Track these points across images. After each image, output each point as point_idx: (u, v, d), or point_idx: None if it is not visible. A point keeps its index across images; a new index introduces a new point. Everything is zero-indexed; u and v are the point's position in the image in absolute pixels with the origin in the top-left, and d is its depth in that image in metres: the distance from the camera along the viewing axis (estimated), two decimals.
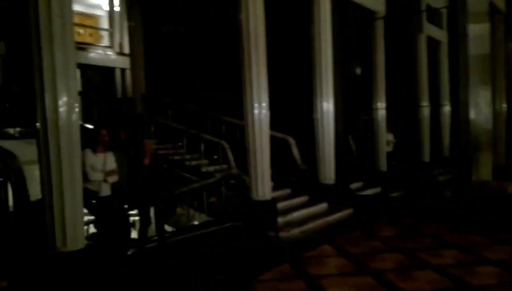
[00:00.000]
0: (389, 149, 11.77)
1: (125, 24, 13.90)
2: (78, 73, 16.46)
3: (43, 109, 5.02)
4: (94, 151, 6.17)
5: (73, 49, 5.25)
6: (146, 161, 6.84)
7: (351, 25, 11.33)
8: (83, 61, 16.13)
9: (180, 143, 9.75)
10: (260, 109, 7.47)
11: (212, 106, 10.70)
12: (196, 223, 7.65)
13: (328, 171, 9.07)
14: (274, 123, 7.84)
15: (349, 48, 11.21)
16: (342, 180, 9.28)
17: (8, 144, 6.36)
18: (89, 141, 6.16)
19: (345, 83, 10.29)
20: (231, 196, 7.62)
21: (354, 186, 10.07)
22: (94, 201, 6.02)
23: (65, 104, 5.06)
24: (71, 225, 5.00)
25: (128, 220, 6.84)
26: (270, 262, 5.44)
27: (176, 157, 9.36)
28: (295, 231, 7.15)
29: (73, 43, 5.30)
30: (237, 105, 7.75)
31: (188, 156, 9.36)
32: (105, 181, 6.13)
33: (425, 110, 13.81)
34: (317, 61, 8.97)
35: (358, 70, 12.15)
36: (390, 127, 11.72)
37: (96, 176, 6.08)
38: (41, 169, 5.06)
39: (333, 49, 9.13)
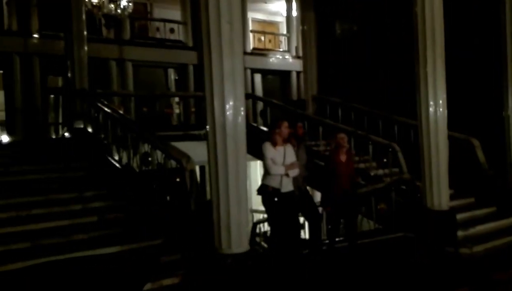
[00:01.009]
0: None
1: (301, 28, 13.96)
2: (259, 77, 17.32)
3: (212, 112, 5.11)
4: (274, 144, 5.79)
5: (240, 55, 5.24)
6: (343, 158, 6.39)
7: None
8: (263, 66, 16.89)
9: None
10: (436, 107, 6.76)
11: (384, 106, 10.10)
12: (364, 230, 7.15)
13: None
14: (453, 122, 6.98)
15: None
16: None
17: (182, 145, 6.70)
18: (268, 134, 5.95)
19: None
20: (402, 203, 6.94)
21: None
22: (276, 198, 5.69)
23: (232, 108, 5.07)
24: (235, 226, 4.98)
25: (298, 219, 6.49)
26: (447, 284, 4.74)
27: None
28: (479, 248, 6.22)
29: (241, 48, 5.31)
30: (411, 103, 7.14)
31: (356, 158, 8.85)
32: (286, 175, 5.73)
33: None
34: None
35: None
36: None
37: (277, 170, 5.71)
38: (209, 170, 5.17)
39: None
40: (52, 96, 13.86)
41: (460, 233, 6.52)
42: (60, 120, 13.32)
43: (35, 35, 12.96)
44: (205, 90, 5.21)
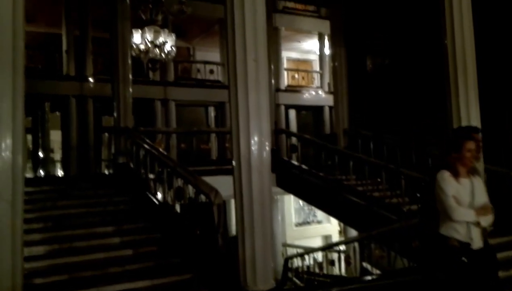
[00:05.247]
0: None
1: (332, 64, 13.74)
2: (293, 112, 17.12)
3: (238, 147, 4.87)
4: (455, 174, 3.67)
5: (266, 91, 5.05)
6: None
7: None
8: (297, 102, 16.73)
9: (379, 180, 8.69)
10: None
11: (417, 139, 9.55)
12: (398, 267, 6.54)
13: None
14: (492, 155, 6.36)
15: None
16: None
17: (216, 179, 6.45)
18: (446, 161, 3.79)
19: None
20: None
21: None
22: (464, 258, 3.63)
23: (257, 143, 4.86)
24: (261, 262, 4.63)
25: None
26: None
27: (375, 194, 8.34)
28: None
29: (267, 85, 5.13)
30: (443, 136, 6.58)
31: (388, 193, 8.26)
32: (477, 223, 3.63)
33: None
34: None
35: None
36: None
37: (465, 214, 3.61)
38: (235, 205, 4.87)
39: None
40: (105, 134, 14.13)
41: (501, 274, 5.79)
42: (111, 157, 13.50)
43: (90, 79, 13.32)
44: (231, 125, 5.01)
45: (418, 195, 7.43)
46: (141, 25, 9.79)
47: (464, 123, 6.30)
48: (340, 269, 8.58)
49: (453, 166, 3.67)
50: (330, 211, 9.41)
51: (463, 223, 3.59)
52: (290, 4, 16.05)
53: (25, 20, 3.89)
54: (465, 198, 3.64)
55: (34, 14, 13.31)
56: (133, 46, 9.75)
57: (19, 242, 3.63)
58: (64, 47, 13.42)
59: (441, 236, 3.67)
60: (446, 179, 3.63)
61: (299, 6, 16.25)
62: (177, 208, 6.66)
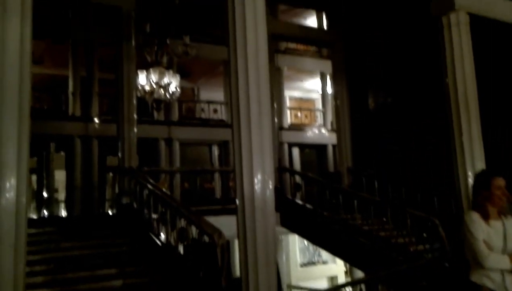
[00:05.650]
0: None
1: (334, 103, 13.88)
2: (296, 151, 17.15)
3: (241, 186, 4.84)
4: (485, 216, 3.36)
5: (269, 130, 5.05)
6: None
7: None
8: (300, 140, 16.80)
9: (384, 219, 8.57)
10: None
11: (421, 176, 9.49)
12: None
13: None
14: None
15: None
16: None
17: (220, 219, 6.40)
18: (474, 202, 3.53)
19: None
20: (446, 281, 6.16)
21: None
22: None
23: (260, 181, 4.80)
24: None
25: None
26: None
27: (381, 233, 8.22)
28: None
29: (269, 124, 5.13)
30: (448, 172, 6.52)
31: (394, 232, 8.13)
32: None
33: None
34: None
35: None
36: None
37: (497, 261, 3.25)
38: (239, 245, 4.80)
39: None
40: (109, 174, 14.16)
41: None
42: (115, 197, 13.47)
43: (95, 119, 13.46)
44: (235, 164, 5.00)
45: (425, 234, 7.32)
46: (146, 66, 9.98)
47: (468, 161, 6.27)
48: None
49: (482, 206, 3.36)
50: (336, 251, 9.26)
51: (497, 270, 3.25)
52: (292, 45, 16.39)
53: (32, 62, 3.94)
54: (497, 242, 3.29)
55: (41, 56, 13.64)
56: (138, 87, 9.90)
57: (21, 286, 3.57)
58: (70, 88, 13.65)
59: (473, 283, 3.35)
60: (475, 220, 3.31)
61: (300, 47, 16.59)
62: (180, 249, 6.57)
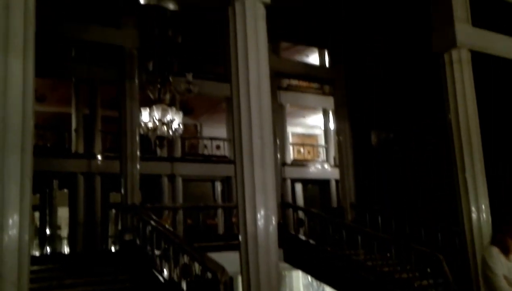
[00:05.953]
0: None
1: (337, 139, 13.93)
2: (299, 186, 17.11)
3: (244, 222, 4.84)
4: (506, 252, 3.37)
5: (271, 167, 5.09)
6: None
7: None
8: (303, 176, 16.80)
9: (388, 254, 8.47)
10: (478, 213, 6.14)
11: (425, 211, 9.42)
12: None
13: None
14: None
15: None
16: None
17: (223, 255, 6.35)
18: (495, 237, 3.59)
19: None
20: None
21: None
22: None
23: (263, 218, 4.82)
24: None
25: None
26: None
27: (385, 269, 8.10)
28: None
29: (272, 161, 5.18)
30: (451, 210, 6.49)
31: (398, 268, 8.01)
32: None
33: None
34: None
35: None
36: None
37: None
38: (242, 282, 4.75)
39: None
40: (112, 210, 14.11)
41: None
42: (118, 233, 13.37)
43: (98, 156, 13.52)
44: (238, 200, 5.00)
45: (429, 270, 7.22)
46: (149, 104, 10.11)
47: (472, 197, 6.23)
48: None
49: (502, 240, 3.34)
50: (340, 286, 9.09)
51: None
52: (294, 82, 16.63)
53: (35, 100, 3.96)
54: None
55: (44, 94, 13.83)
56: (141, 124, 10.00)
57: None
58: (74, 125, 13.79)
59: None
60: (494, 256, 3.28)
61: (303, 83, 16.83)
62: (184, 285, 6.49)
